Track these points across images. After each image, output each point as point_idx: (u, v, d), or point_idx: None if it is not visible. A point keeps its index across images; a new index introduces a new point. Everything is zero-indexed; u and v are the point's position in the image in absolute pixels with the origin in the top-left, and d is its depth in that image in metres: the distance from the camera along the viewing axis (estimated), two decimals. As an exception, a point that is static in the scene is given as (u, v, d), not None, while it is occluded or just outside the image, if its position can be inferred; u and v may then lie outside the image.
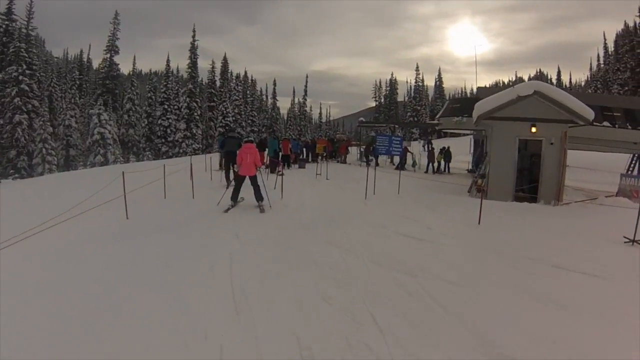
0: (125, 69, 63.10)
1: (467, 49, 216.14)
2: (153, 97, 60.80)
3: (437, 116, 33.12)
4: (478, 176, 17.65)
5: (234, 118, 64.48)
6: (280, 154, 23.54)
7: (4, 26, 45.97)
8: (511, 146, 15.30)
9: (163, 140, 56.57)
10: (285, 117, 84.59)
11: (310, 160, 29.31)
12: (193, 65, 59.94)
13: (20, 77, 43.08)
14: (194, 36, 59.79)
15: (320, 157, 28.00)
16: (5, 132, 42.48)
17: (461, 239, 9.05)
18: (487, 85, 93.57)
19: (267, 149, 23.06)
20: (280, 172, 15.86)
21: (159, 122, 57.13)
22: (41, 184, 24.81)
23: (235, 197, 12.11)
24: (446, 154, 28.99)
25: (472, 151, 30.09)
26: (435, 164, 28.71)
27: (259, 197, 11.94)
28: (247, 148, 12.06)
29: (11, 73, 42.95)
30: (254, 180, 11.93)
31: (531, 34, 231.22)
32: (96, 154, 45.13)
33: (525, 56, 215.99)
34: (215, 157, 23.32)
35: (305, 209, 12.27)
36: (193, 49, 60.17)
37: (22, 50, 44.32)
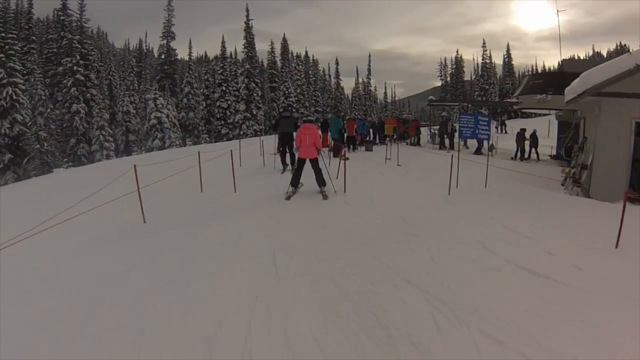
0: (181, 55, 63.09)
1: (535, 23, 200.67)
2: (210, 79, 58.86)
3: (516, 94, 29.28)
4: (576, 166, 14.51)
5: (296, 98, 62.12)
6: (345, 135, 21.09)
7: (60, 21, 48.25)
8: (624, 131, 11.77)
9: (222, 122, 55.02)
10: (350, 97, 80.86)
11: (377, 142, 26.52)
12: (249, 44, 58.09)
13: (75, 68, 44.34)
14: (247, 15, 57.88)
15: (389, 139, 25.32)
16: (64, 121, 43.88)
17: (608, 280, 5.35)
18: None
19: (329, 130, 20.71)
20: (344, 157, 13.64)
21: (217, 104, 55.59)
22: (79, 174, 23.34)
23: (295, 182, 10.90)
24: (533, 138, 24.82)
25: (556, 134, 26.13)
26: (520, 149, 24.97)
27: (321, 181, 10.81)
28: (305, 128, 11.02)
29: (66, 64, 44.38)
30: (315, 163, 10.81)
31: (607, 4, 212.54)
32: (154, 138, 44.49)
33: (602, 29, 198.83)
34: (269, 140, 21.05)
35: (373, 210, 9.42)
36: (248, 29, 58.22)
37: (75, 42, 45.85)
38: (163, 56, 58.90)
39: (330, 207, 9.69)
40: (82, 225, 8.74)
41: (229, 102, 55.21)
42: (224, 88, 55.50)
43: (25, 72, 43.40)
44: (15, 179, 34.01)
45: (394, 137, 25.37)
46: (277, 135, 15.60)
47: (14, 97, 35.64)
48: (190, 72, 56.85)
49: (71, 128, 43.37)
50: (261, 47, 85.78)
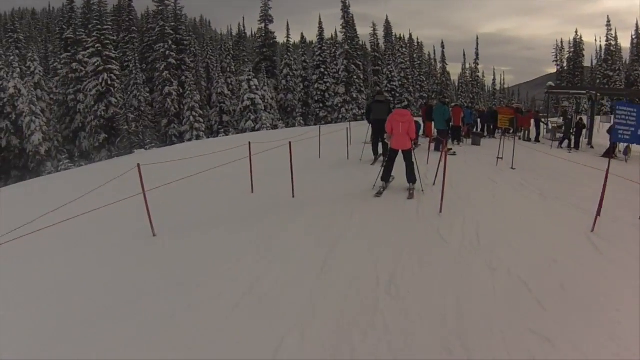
0: (279, 38, 60.72)
1: None
2: (308, 60, 56.53)
3: None
4: None
5: (400, 82, 57.56)
6: (450, 125, 17.20)
7: (159, 11, 49.11)
8: None
9: (321, 105, 52.31)
10: (456, 84, 74.82)
11: (486, 134, 22.11)
12: (347, 24, 53.54)
13: (167, 53, 45.40)
14: (344, -8, 53.89)
15: (500, 132, 20.93)
16: (157, 103, 45.05)
17: None
18: None
19: (434, 119, 16.74)
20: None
21: (315, 86, 53.26)
22: (151, 155, 21.17)
23: (386, 176, 9.47)
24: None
25: None
26: None
27: (411, 177, 9.22)
28: (399, 115, 9.32)
29: (159, 50, 45.81)
30: (407, 155, 9.20)
31: None
32: (247, 120, 43.29)
33: None
34: (357, 127, 17.77)
35: (477, 254, 5.61)
36: (345, 8, 53.80)
37: (167, 28, 47.00)
38: (261, 39, 57.27)
39: (415, 242, 6.15)
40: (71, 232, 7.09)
41: (327, 84, 52.34)
42: (322, 70, 52.65)
43: (126, 60, 46.64)
44: (109, 156, 35.29)
45: (510, 130, 20.90)
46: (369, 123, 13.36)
47: (109, 82, 37.66)
48: (289, 54, 54.62)
49: (163, 109, 44.17)
50: (362, 32, 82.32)
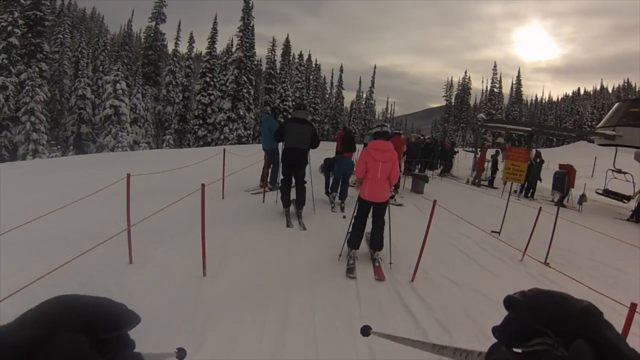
0: (171, 44, 49.98)
1: (534, 54, 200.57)
2: (192, 66, 46.86)
3: (601, 124, 18.98)
4: None
5: (294, 103, 49.29)
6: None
7: None
8: None
9: (201, 121, 42.57)
10: (349, 109, 71.25)
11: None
12: (245, 27, 44.48)
13: (11, 28, 30.46)
14: (247, -9, 45.36)
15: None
16: None
17: None
18: (567, 94, 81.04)
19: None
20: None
21: (197, 98, 43.19)
22: None
23: (356, 242, 5.55)
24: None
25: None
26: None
27: (379, 242, 5.62)
28: (378, 150, 5.42)
29: (0, 22, 30.37)
30: (381, 210, 5.57)
31: (606, 41, 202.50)
32: (107, 133, 32.24)
33: (598, 66, 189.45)
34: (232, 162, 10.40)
35: None
36: (247, 9, 44.70)
37: None
38: (149, 40, 47.28)
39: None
40: None
41: (212, 97, 42.70)
42: (207, 79, 42.86)
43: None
44: None
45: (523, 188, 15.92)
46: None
47: None
48: (175, 59, 45.00)
49: (-8, 109, 30.43)
50: (261, 52, 75.81)
